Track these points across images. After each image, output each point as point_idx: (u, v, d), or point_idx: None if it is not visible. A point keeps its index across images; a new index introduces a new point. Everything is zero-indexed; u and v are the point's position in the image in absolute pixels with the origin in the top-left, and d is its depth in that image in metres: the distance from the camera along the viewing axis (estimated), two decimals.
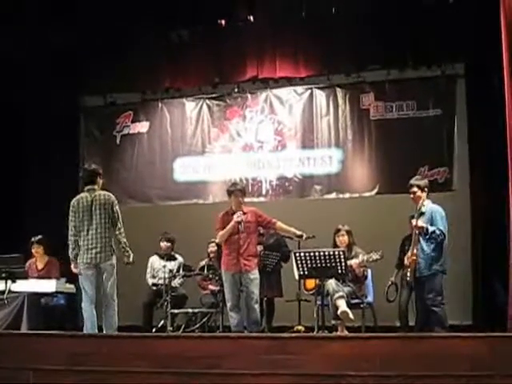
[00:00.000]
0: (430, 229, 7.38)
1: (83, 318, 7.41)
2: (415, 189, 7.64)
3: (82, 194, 7.55)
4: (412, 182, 7.72)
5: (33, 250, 9.30)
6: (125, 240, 7.39)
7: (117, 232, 7.37)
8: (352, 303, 7.93)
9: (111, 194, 7.55)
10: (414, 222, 7.44)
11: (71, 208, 7.49)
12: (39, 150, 10.95)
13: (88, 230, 7.36)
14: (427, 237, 7.40)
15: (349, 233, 8.24)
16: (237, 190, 7.91)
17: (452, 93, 9.87)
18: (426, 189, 7.68)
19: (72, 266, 7.50)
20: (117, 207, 7.45)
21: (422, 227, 7.36)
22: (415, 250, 7.39)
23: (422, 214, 7.51)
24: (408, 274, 7.46)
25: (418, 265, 7.39)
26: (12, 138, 10.96)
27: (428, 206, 7.59)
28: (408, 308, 8.24)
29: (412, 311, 7.97)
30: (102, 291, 7.37)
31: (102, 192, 7.53)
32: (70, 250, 7.45)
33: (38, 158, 10.98)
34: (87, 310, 7.35)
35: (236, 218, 7.72)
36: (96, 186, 7.53)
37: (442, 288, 7.43)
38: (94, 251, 7.31)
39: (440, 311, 7.34)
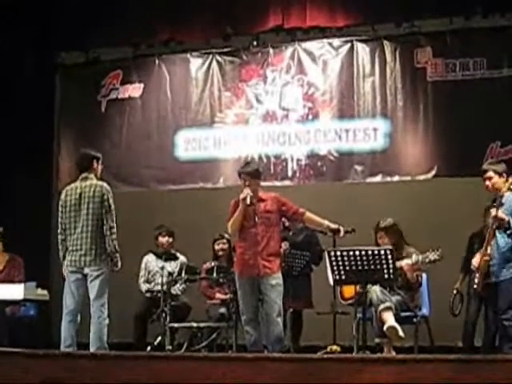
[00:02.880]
0: None
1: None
2: (491, 173, 7.58)
3: (72, 185, 7.76)
4: (485, 165, 7.67)
5: None
6: (115, 243, 7.54)
7: (106, 232, 7.53)
8: (402, 316, 7.92)
9: (104, 184, 7.68)
10: (493, 212, 7.36)
11: (59, 201, 7.78)
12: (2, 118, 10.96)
13: (75, 228, 7.60)
14: (508, 232, 7.35)
15: (390, 230, 8.14)
16: (244, 173, 7.74)
17: None
18: (504, 174, 7.63)
19: (63, 268, 7.73)
20: (109, 201, 7.59)
21: (503, 219, 7.30)
22: (489, 249, 7.35)
23: (501, 204, 7.48)
24: (476, 281, 7.44)
25: (492, 267, 7.36)
26: None
27: (508, 195, 7.55)
28: (476, 324, 8.21)
29: (479, 328, 7.93)
30: (88, 301, 7.53)
31: (94, 182, 7.67)
32: (60, 252, 7.74)
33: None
34: (63, 324, 7.56)
35: (242, 196, 7.56)
36: (91, 175, 7.70)
37: None
38: (78, 253, 7.54)
39: None
